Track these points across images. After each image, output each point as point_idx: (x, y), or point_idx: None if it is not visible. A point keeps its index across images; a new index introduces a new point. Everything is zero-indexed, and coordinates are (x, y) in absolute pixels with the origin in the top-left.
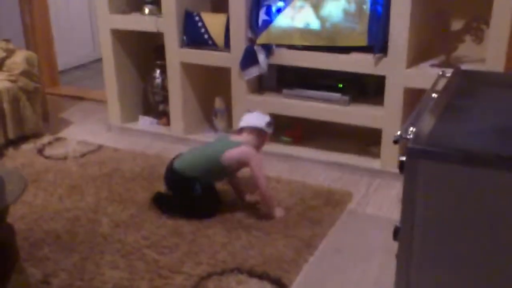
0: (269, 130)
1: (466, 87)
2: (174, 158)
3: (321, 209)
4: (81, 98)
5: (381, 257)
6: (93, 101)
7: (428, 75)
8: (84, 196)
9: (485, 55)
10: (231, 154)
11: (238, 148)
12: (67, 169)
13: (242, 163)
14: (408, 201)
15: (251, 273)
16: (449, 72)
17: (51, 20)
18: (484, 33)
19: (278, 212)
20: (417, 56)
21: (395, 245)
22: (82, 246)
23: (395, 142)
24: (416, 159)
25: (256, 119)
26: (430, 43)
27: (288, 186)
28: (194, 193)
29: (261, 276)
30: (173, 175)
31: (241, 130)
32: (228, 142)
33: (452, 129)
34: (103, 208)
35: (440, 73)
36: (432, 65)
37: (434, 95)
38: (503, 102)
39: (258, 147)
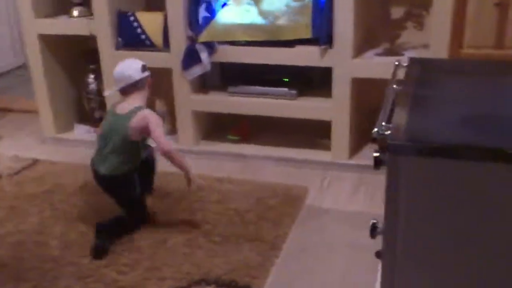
0: (148, 73)
1: (425, 76)
2: (93, 166)
3: (279, 208)
4: (7, 110)
5: (346, 252)
6: (21, 112)
7: (374, 65)
8: (26, 217)
9: (427, 41)
10: (135, 127)
11: (138, 116)
12: (2, 188)
13: (144, 130)
14: (390, 198)
15: (219, 283)
16: (404, 61)
17: None
18: (425, 20)
19: (198, 180)
20: (362, 45)
21: (359, 240)
22: (32, 273)
23: (374, 140)
24: (397, 156)
25: (130, 70)
26: (372, 32)
27: (242, 187)
28: (135, 191)
29: (230, 285)
30: (109, 182)
31: (124, 92)
32: (124, 117)
33: (425, 122)
34: (49, 228)
35: (396, 63)
36: (377, 54)
37: (395, 86)
38: (464, 90)
39: (147, 98)
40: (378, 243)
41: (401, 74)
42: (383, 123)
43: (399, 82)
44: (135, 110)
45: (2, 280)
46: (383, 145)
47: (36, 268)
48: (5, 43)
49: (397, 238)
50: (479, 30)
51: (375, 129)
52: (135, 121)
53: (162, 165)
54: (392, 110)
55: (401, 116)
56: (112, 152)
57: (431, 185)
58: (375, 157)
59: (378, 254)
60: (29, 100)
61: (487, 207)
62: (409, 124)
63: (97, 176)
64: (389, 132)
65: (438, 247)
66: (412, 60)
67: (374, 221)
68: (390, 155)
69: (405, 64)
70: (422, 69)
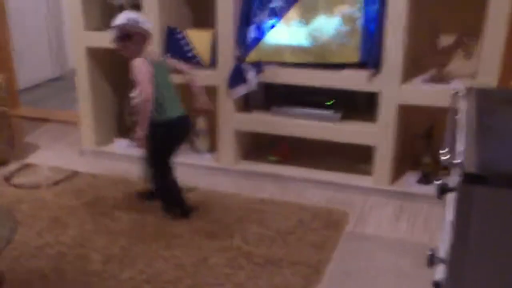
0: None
1: (486, 106)
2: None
3: (321, 231)
4: (45, 120)
5: (390, 279)
6: (59, 123)
7: (421, 91)
8: (66, 229)
9: (474, 70)
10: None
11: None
12: (42, 198)
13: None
14: (460, 227)
15: None
16: (461, 91)
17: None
18: (474, 48)
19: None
20: (409, 71)
21: (403, 267)
22: (73, 286)
23: (446, 167)
24: (472, 185)
25: (119, 20)
26: (420, 58)
27: (284, 208)
28: None
29: None
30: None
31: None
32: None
33: (494, 152)
34: (90, 241)
35: (454, 91)
36: (424, 81)
37: (458, 115)
38: None
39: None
40: (425, 270)
41: (458, 103)
42: (452, 152)
43: (457, 111)
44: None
45: None
46: (453, 173)
47: (78, 281)
48: (44, 55)
49: (465, 269)
50: None
51: (445, 157)
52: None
53: (204, 183)
54: (454, 140)
55: (468, 145)
56: (174, 93)
57: (505, 215)
58: (441, 185)
59: (437, 284)
60: (67, 111)
61: None
62: (479, 153)
63: (182, 121)
64: (459, 160)
65: (508, 280)
66: (469, 89)
67: (432, 250)
68: (463, 184)
69: (462, 93)
70: (480, 98)
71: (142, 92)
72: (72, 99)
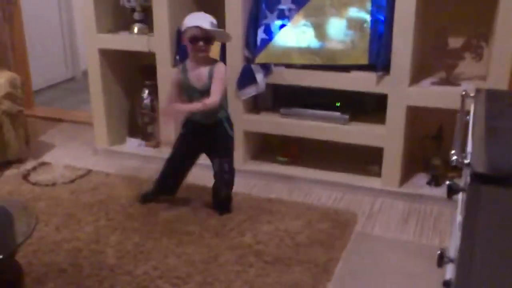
0: (195, 31)
1: (496, 108)
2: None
3: (330, 231)
4: (59, 120)
5: (398, 280)
6: (73, 123)
7: (430, 93)
8: (82, 225)
9: (484, 73)
10: None
11: None
12: (58, 196)
13: None
14: (468, 226)
15: None
16: (471, 92)
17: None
18: (484, 51)
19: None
20: (418, 73)
21: (412, 268)
22: (90, 280)
23: (455, 167)
24: (481, 184)
25: (201, 21)
26: (429, 60)
27: (293, 208)
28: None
29: None
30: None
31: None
32: None
33: (504, 153)
34: (104, 237)
35: (463, 93)
36: (433, 83)
37: (467, 117)
38: None
39: (194, 57)
40: (434, 271)
41: (467, 104)
42: (460, 152)
43: (467, 112)
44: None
45: (62, 285)
46: (455, 174)
47: (94, 276)
48: (57, 57)
49: (473, 268)
50: None
51: (454, 157)
52: None
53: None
54: (464, 141)
55: (478, 146)
56: None
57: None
58: (449, 185)
59: (447, 284)
60: (80, 111)
61: None
62: (488, 154)
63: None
64: (468, 161)
65: None
66: (479, 91)
67: (441, 250)
68: (472, 184)
69: (471, 94)
70: (489, 100)
71: (212, 101)
72: (85, 100)
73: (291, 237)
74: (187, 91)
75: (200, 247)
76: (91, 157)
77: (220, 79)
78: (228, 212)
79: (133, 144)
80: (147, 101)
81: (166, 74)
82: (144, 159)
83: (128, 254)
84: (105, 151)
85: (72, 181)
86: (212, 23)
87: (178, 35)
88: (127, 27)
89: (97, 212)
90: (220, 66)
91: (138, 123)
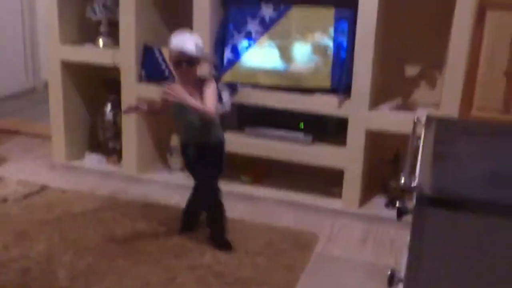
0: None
1: (444, 134)
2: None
3: (290, 252)
4: (16, 132)
5: None
6: (30, 136)
7: (388, 118)
8: (33, 244)
9: (438, 100)
10: None
11: None
12: (9, 212)
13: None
14: (414, 247)
15: None
16: (422, 118)
17: None
18: (437, 80)
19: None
20: (377, 98)
21: None
22: None
23: (403, 190)
24: (425, 207)
25: (185, 44)
26: (388, 86)
27: (254, 229)
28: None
29: None
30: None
31: None
32: None
33: (449, 177)
34: (56, 257)
35: (415, 119)
36: (391, 108)
37: (417, 142)
38: (480, 149)
39: (180, 79)
40: None
41: (419, 130)
42: (409, 175)
43: (418, 138)
44: None
45: None
46: (409, 196)
47: None
48: (18, 66)
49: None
50: (489, 95)
51: (402, 180)
52: None
53: (176, 201)
54: (414, 164)
55: (425, 170)
56: None
57: (456, 237)
58: (399, 208)
59: None
60: (38, 124)
61: (508, 262)
62: (434, 178)
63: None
64: (416, 184)
65: None
66: (430, 118)
67: (391, 270)
68: (417, 206)
69: (423, 121)
70: (439, 127)
71: (208, 107)
72: (44, 112)
73: (251, 258)
74: (178, 113)
75: (157, 268)
76: (47, 172)
77: (212, 91)
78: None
79: (93, 160)
80: (109, 115)
81: (131, 89)
82: (104, 175)
83: (80, 275)
84: (63, 166)
85: (26, 197)
86: (197, 45)
87: (144, 51)
88: (92, 40)
89: (50, 230)
90: (210, 84)
91: (99, 138)
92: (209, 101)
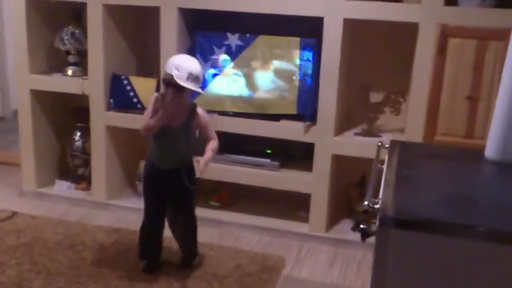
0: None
1: (406, 158)
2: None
3: (258, 275)
4: None
5: None
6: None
7: (353, 143)
8: (4, 269)
9: (403, 126)
10: None
11: None
12: None
13: None
14: (378, 267)
15: None
16: (386, 143)
17: None
18: (401, 106)
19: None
20: (342, 125)
21: None
22: None
23: (365, 211)
24: (387, 228)
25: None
26: (353, 113)
27: (222, 253)
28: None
29: None
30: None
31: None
32: None
33: (411, 200)
34: (27, 282)
35: (379, 144)
36: (356, 134)
37: (381, 166)
38: (441, 172)
39: (175, 103)
40: None
41: (382, 155)
42: (371, 198)
43: (382, 162)
44: None
45: None
46: (371, 218)
47: None
48: None
49: None
50: (452, 120)
51: (365, 203)
52: None
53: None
54: (376, 187)
55: (388, 193)
56: None
57: (418, 258)
58: (363, 229)
59: None
60: (8, 152)
61: (468, 281)
62: (397, 200)
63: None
64: (378, 206)
65: None
66: (393, 142)
67: None
68: (380, 227)
69: (386, 145)
70: (402, 151)
71: (217, 143)
72: (13, 140)
73: (219, 281)
74: (162, 137)
75: None
76: (17, 199)
77: (210, 123)
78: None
79: (62, 187)
80: (78, 143)
81: (99, 117)
82: (72, 202)
83: None
84: (33, 193)
85: None
86: (190, 74)
87: (113, 80)
88: (61, 69)
89: (20, 255)
90: (201, 111)
91: (68, 165)
92: (214, 136)
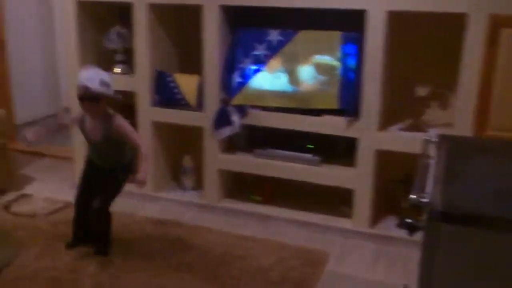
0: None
1: (455, 152)
2: None
3: (301, 269)
4: (41, 154)
5: None
6: (53, 158)
7: (398, 138)
8: (60, 255)
9: (450, 120)
10: None
11: None
12: (38, 226)
13: None
14: (427, 263)
15: None
16: (433, 137)
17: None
18: (449, 99)
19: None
20: (387, 119)
21: None
22: None
23: (413, 205)
24: (436, 222)
25: (89, 80)
26: (398, 107)
27: (265, 246)
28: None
29: None
30: None
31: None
32: None
33: (460, 194)
34: (82, 267)
35: (426, 138)
36: (401, 129)
37: (429, 160)
38: (492, 167)
39: (91, 116)
40: None
41: (430, 149)
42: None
43: (429, 156)
44: None
45: None
46: (421, 212)
47: None
48: (40, 93)
49: None
50: (505, 115)
51: (414, 196)
52: None
53: (189, 218)
54: (424, 182)
55: (437, 187)
56: None
57: (467, 252)
58: (410, 224)
59: None
60: (60, 147)
61: None
62: (446, 194)
63: None
64: (426, 200)
65: None
66: (441, 137)
67: (404, 285)
68: (429, 222)
69: (434, 140)
70: (451, 145)
71: (142, 143)
72: (66, 136)
73: (263, 274)
74: (87, 140)
75: (173, 279)
76: (70, 190)
77: (130, 131)
78: (104, 255)
79: None
80: None
81: (145, 113)
82: (122, 194)
83: (104, 284)
84: None
85: (52, 213)
86: (101, 81)
87: (158, 77)
88: (109, 68)
89: None
90: (118, 121)
91: None
92: (138, 138)
